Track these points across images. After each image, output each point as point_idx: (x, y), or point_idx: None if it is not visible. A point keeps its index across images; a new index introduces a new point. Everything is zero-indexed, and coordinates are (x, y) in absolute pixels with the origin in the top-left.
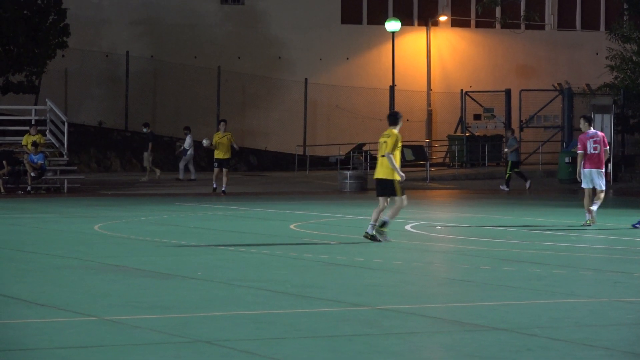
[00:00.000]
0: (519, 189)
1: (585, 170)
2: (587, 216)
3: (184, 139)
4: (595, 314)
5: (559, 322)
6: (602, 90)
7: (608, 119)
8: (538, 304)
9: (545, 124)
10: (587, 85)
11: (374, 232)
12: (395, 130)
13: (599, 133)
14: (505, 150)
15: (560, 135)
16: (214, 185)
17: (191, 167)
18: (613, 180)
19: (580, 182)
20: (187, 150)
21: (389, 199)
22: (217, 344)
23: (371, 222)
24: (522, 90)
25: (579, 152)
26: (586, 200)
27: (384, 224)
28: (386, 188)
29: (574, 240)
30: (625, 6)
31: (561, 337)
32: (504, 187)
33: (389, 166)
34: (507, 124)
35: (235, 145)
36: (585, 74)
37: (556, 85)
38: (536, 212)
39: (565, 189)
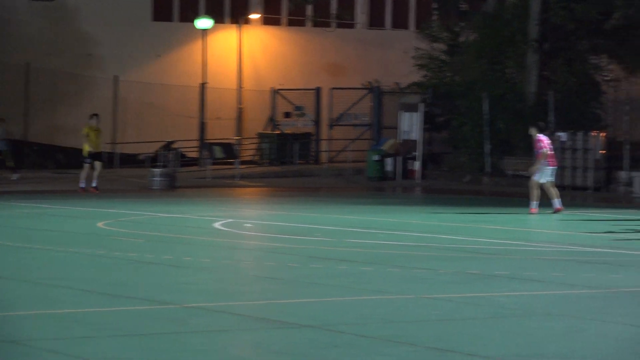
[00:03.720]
0: (331, 187)
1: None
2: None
3: None
4: (401, 311)
5: (366, 319)
6: (411, 88)
7: (417, 117)
8: (345, 301)
9: (355, 122)
10: (397, 83)
11: None
12: None
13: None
14: None
15: (370, 133)
16: (82, 184)
17: None
18: (421, 177)
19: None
20: None
21: None
22: (22, 343)
23: None
24: (333, 88)
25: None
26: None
27: None
28: None
29: (381, 237)
30: (435, 6)
31: (368, 333)
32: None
33: None
34: (317, 122)
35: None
36: (395, 72)
37: (366, 83)
38: (345, 209)
39: (374, 187)
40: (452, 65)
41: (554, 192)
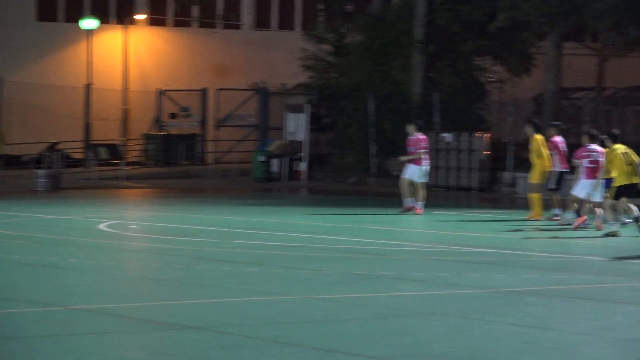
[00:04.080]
0: (217, 187)
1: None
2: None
3: None
4: (286, 311)
5: (251, 320)
6: (297, 89)
7: (303, 118)
8: (231, 302)
9: (241, 123)
10: (283, 84)
11: None
12: None
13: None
14: None
15: (256, 134)
16: None
17: None
18: (308, 178)
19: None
20: None
21: None
22: None
23: None
24: (219, 89)
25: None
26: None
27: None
28: None
29: (266, 238)
30: (320, 7)
31: (253, 334)
32: None
33: None
34: (203, 123)
35: None
36: (281, 73)
37: (252, 84)
38: (231, 210)
39: (259, 188)
40: (338, 66)
41: (422, 193)
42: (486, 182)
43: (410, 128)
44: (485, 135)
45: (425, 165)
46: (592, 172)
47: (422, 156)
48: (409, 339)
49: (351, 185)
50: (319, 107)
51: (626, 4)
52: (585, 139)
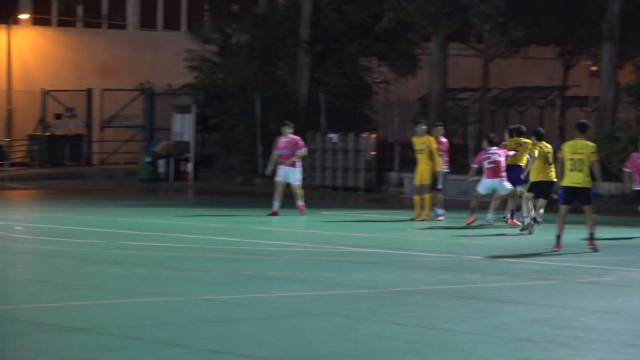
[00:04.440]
0: (103, 188)
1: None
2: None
3: None
4: (175, 313)
5: (140, 321)
6: (183, 90)
7: (189, 119)
8: (119, 303)
9: (127, 124)
10: (169, 85)
11: None
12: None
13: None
14: None
15: (142, 135)
16: None
17: None
18: (194, 179)
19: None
20: None
21: None
22: None
23: None
24: (104, 89)
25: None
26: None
27: None
28: None
29: (154, 239)
30: (206, 7)
31: (141, 336)
32: None
33: None
34: (88, 123)
35: None
36: (167, 74)
37: (138, 85)
38: (117, 211)
39: (146, 188)
40: (224, 66)
41: (300, 193)
42: (373, 183)
43: (286, 129)
44: (371, 135)
45: (300, 167)
46: (493, 172)
47: (296, 157)
48: (297, 339)
49: (238, 186)
50: (205, 108)
51: (510, 6)
52: (485, 143)
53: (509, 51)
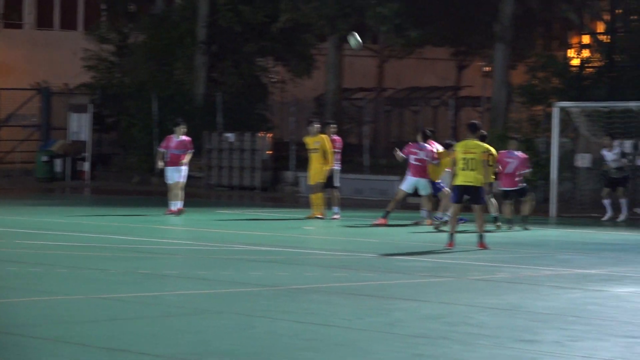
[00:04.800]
0: (1, 188)
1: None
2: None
3: None
4: (71, 311)
5: (36, 320)
6: (80, 90)
7: (86, 118)
8: (15, 302)
9: (24, 123)
10: (66, 84)
11: None
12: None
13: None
14: None
15: (38, 134)
16: None
17: None
18: (91, 178)
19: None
20: None
21: None
22: None
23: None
24: (0, 89)
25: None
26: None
27: None
28: None
29: (50, 238)
30: (103, 7)
31: (38, 334)
32: None
33: None
34: None
35: None
36: (64, 73)
37: (34, 84)
38: (13, 210)
39: (43, 188)
40: (121, 66)
41: (180, 194)
42: (269, 182)
43: (179, 129)
44: (267, 135)
45: (186, 167)
46: (418, 171)
47: (186, 159)
48: (195, 336)
49: (135, 185)
50: (102, 107)
51: (406, 8)
52: (419, 136)
53: (404, 52)
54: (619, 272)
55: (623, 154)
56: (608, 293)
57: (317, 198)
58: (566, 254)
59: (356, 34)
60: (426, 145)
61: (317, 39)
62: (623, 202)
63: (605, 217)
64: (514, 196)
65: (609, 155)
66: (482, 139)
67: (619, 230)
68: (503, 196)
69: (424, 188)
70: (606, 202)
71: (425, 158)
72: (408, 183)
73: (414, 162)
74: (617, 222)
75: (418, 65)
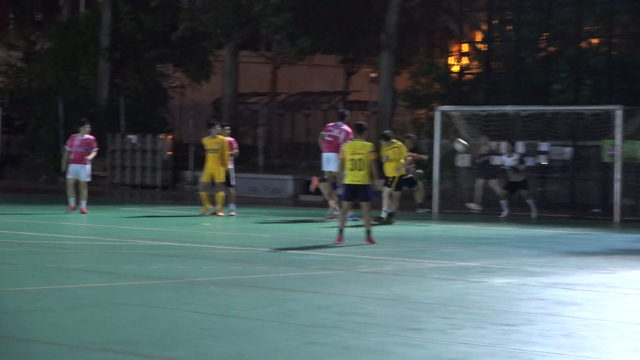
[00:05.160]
0: None
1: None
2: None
3: None
4: None
5: None
6: None
7: None
8: None
9: None
10: None
11: None
12: None
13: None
14: None
15: None
16: None
17: None
18: (0, 178)
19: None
20: None
21: None
22: None
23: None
24: None
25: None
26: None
27: None
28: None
29: None
30: (11, 16)
31: None
32: None
33: None
34: None
35: None
36: None
37: None
38: None
39: None
40: (29, 72)
41: (84, 192)
42: (169, 181)
43: (83, 128)
44: (168, 137)
45: (90, 165)
46: (328, 146)
47: (91, 156)
48: (99, 327)
49: (42, 184)
50: (11, 110)
51: (298, 18)
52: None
53: (296, 59)
54: (496, 265)
55: (522, 160)
56: (486, 284)
57: (208, 195)
58: (448, 248)
59: (461, 140)
60: (342, 125)
61: (215, 47)
62: (530, 202)
63: (502, 215)
64: (406, 186)
65: (508, 160)
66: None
67: (497, 225)
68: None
69: (333, 165)
70: (503, 202)
71: (337, 135)
72: (324, 160)
73: (327, 138)
74: (500, 219)
75: (309, 71)
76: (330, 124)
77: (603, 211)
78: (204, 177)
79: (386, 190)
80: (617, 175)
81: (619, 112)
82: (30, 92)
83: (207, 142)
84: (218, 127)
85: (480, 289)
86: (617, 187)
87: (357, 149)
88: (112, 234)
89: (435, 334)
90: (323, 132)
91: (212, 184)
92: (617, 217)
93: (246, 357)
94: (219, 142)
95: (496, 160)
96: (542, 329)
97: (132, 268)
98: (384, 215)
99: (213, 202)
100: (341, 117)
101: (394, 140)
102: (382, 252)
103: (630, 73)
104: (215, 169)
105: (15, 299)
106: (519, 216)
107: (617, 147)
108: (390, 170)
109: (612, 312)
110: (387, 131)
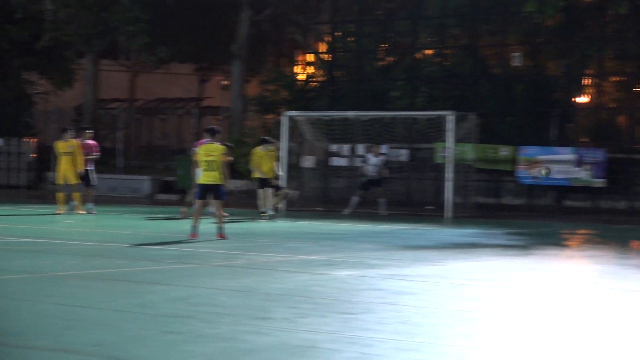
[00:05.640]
0: None
1: None
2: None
3: None
4: None
5: None
6: None
7: None
8: None
9: None
10: None
11: None
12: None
13: None
14: None
15: None
16: None
17: None
18: None
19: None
20: None
21: None
22: None
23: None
24: None
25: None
26: None
27: None
28: None
29: None
30: None
31: None
32: None
33: None
34: None
35: None
36: None
37: None
38: None
39: None
40: None
41: None
42: (33, 181)
43: None
44: (32, 140)
45: None
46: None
47: None
48: None
49: None
50: None
51: (155, 28)
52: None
53: (153, 67)
54: (337, 258)
55: (386, 163)
56: (329, 276)
57: (75, 197)
58: (294, 243)
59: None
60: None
61: (77, 55)
62: (382, 201)
63: (345, 212)
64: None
65: (373, 159)
66: (263, 142)
67: (339, 221)
68: (259, 186)
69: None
70: (355, 199)
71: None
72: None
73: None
74: (342, 215)
75: (165, 79)
76: (203, 140)
77: (436, 208)
78: (58, 179)
79: (267, 191)
80: (449, 175)
81: (450, 117)
82: None
83: (61, 145)
84: (71, 131)
85: (324, 280)
86: (448, 185)
87: (211, 151)
88: None
89: (282, 322)
90: (195, 148)
91: (68, 185)
92: (448, 213)
93: (107, 346)
94: (72, 145)
95: (337, 162)
96: (380, 317)
97: None
98: (270, 213)
99: (88, 200)
100: (212, 134)
101: (270, 147)
102: (233, 247)
103: (461, 82)
104: (68, 170)
105: None
106: (362, 213)
107: (448, 150)
108: (269, 171)
109: (445, 301)
110: (266, 137)
